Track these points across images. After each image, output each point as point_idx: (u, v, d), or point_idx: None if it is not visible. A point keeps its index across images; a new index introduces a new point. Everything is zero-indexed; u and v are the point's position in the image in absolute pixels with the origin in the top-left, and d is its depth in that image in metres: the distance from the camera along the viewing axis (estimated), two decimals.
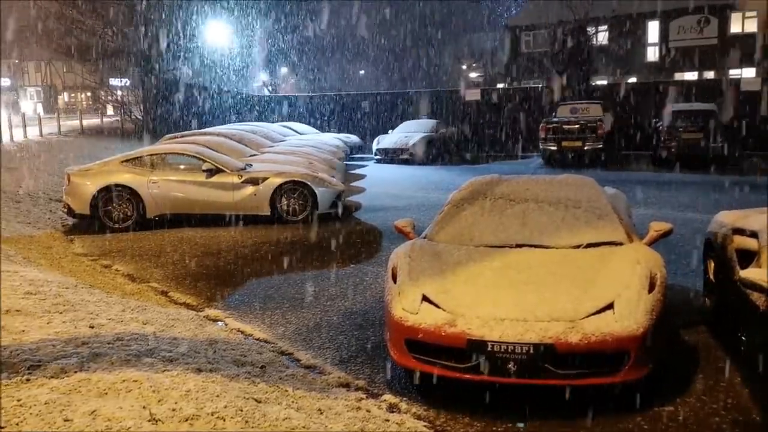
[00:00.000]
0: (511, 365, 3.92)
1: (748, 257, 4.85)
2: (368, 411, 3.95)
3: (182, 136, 15.03)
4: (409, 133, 21.47)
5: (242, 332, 5.62)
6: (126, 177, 10.54)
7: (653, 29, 34.38)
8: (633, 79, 31.71)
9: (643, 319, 4.00)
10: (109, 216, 10.42)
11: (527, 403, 4.08)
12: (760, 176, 14.66)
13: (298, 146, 16.41)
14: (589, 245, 4.92)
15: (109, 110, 32.56)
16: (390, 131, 22.69)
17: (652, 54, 34.70)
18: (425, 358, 4.19)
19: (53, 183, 13.83)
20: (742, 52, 30.70)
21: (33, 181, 13.72)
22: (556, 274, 4.47)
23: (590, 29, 28.44)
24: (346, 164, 18.74)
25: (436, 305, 4.27)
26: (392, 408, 4.11)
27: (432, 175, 17.44)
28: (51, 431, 3.00)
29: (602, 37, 33.15)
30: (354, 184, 15.53)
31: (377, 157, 21.39)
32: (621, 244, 4.95)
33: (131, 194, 10.43)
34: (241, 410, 3.41)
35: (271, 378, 4.28)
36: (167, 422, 3.18)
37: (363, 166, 19.83)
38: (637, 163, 18.67)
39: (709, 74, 31.73)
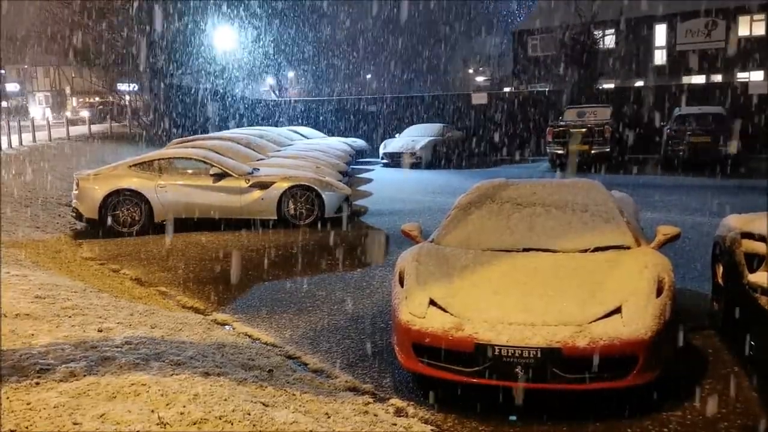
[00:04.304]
0: (518, 369, 3.92)
1: (756, 261, 4.83)
2: (375, 415, 3.95)
3: (190, 141, 15.09)
4: (416, 137, 21.48)
5: (249, 336, 5.63)
6: (134, 181, 10.59)
7: (660, 32, 34.31)
8: (640, 83, 31.64)
9: (651, 323, 3.99)
10: (118, 220, 10.47)
11: (535, 406, 4.08)
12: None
13: (305, 150, 16.44)
14: (597, 249, 4.91)
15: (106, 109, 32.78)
16: (397, 135, 22.70)
17: (660, 57, 34.62)
18: (432, 362, 4.19)
19: (62, 187, 13.91)
20: (750, 55, 30.60)
21: (42, 185, 13.80)
22: (563, 278, 4.46)
23: (597, 33, 28.41)
24: (353, 168, 18.77)
25: (444, 309, 4.27)
26: (399, 412, 4.11)
27: (439, 178, 17.44)
28: None
29: (609, 40, 33.10)
30: (361, 188, 15.55)
31: (384, 161, 21.40)
32: (629, 248, 4.93)
33: (139, 198, 10.48)
34: (249, 414, 3.42)
35: (279, 382, 4.28)
36: (175, 426, 3.19)
37: (370, 170, 19.85)
38: (645, 167, 18.60)
39: (717, 77, 31.63)
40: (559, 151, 18.48)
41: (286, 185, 10.70)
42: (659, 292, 4.23)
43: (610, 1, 28.72)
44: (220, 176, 10.75)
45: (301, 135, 21.31)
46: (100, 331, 4.88)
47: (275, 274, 7.87)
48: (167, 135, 23.91)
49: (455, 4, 57.04)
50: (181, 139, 16.73)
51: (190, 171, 10.95)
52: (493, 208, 5.52)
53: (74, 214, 10.84)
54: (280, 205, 10.64)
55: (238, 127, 24.26)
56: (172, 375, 3.89)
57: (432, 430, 3.90)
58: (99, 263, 8.65)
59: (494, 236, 5.23)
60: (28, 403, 3.28)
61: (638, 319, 4.00)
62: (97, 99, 40.94)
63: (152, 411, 3.30)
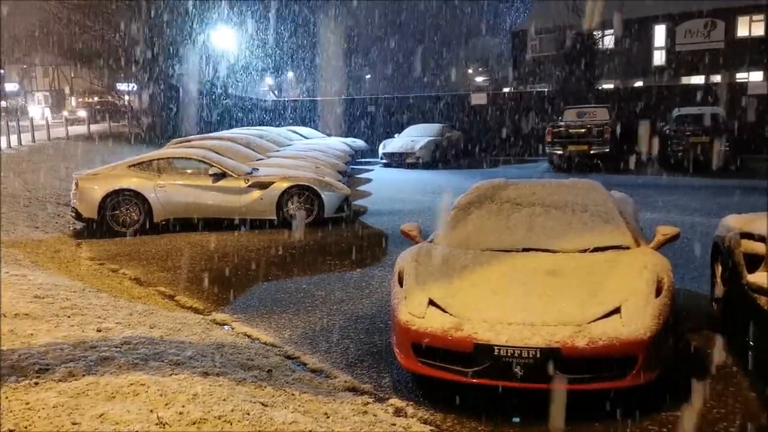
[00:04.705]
0: (517, 369, 3.91)
1: (755, 261, 4.84)
2: (375, 415, 3.95)
3: (189, 141, 15.09)
4: (415, 137, 21.50)
5: (249, 336, 5.63)
6: (133, 181, 10.58)
7: (660, 33, 34.33)
8: (639, 83, 31.66)
9: (650, 323, 3.99)
10: (117, 220, 10.46)
11: (535, 407, 4.07)
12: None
13: (305, 150, 16.45)
14: (596, 249, 4.91)
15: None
16: (396, 135, 22.71)
17: (659, 58, 34.64)
18: (432, 362, 4.19)
19: (61, 187, 13.90)
20: (749, 55, 30.63)
21: (41, 185, 13.79)
22: (562, 279, 4.46)
23: (597, 33, 28.44)
24: (353, 168, 18.77)
25: (443, 309, 4.27)
26: (399, 412, 4.11)
27: (438, 179, 17.44)
28: None
29: (609, 41, 33.11)
30: (360, 188, 15.55)
31: (383, 161, 21.42)
32: (628, 248, 4.93)
33: (138, 198, 10.47)
34: (248, 414, 3.42)
35: (278, 382, 4.28)
36: (174, 426, 3.19)
37: (369, 171, 19.85)
38: (644, 167, 18.60)
39: (716, 78, 31.65)
40: (559, 152, 18.49)
41: (285, 185, 10.70)
42: (658, 293, 4.23)
43: (610, 1, 28.75)
44: (220, 176, 10.74)
45: (301, 135, 21.31)
46: (99, 331, 4.88)
47: (274, 274, 7.86)
48: (166, 135, 23.89)
49: (455, 4, 57.03)
50: (180, 138, 16.72)
51: (189, 171, 10.94)
52: (493, 209, 5.51)
53: (73, 214, 10.83)
54: (279, 205, 10.63)
55: (237, 126, 24.24)
56: (171, 375, 3.89)
57: (431, 430, 3.89)
58: (98, 263, 8.64)
59: (493, 236, 5.22)
60: (27, 403, 3.28)
61: (637, 319, 4.00)
62: (96, 98, 40.94)
63: (151, 411, 3.29)
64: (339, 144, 19.97)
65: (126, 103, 30.79)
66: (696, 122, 17.73)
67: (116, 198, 10.44)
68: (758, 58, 29.94)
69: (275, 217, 10.65)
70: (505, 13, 58.04)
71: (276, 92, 40.64)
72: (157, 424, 3.16)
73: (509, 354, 3.93)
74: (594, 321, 4.02)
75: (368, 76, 62.15)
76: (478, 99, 25.16)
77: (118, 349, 4.37)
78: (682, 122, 17.96)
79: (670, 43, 33.86)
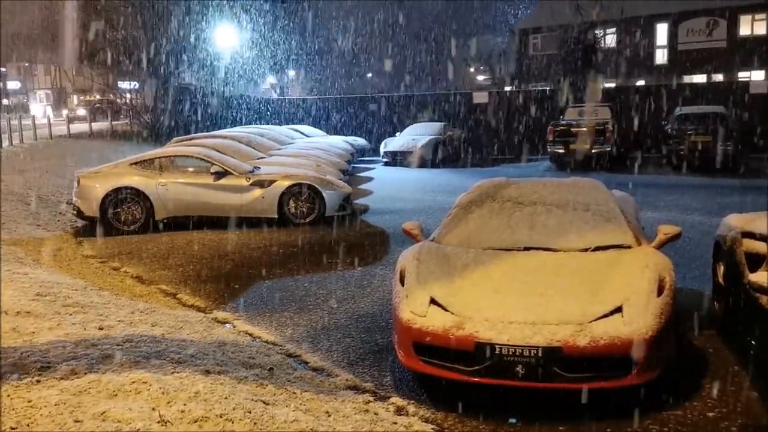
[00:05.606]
0: (519, 368, 3.92)
1: (757, 261, 4.83)
2: (376, 414, 3.96)
3: (191, 139, 15.09)
4: (417, 135, 21.46)
5: (250, 334, 5.64)
6: (135, 179, 10.58)
7: (662, 32, 34.30)
8: (641, 82, 31.62)
9: (651, 322, 3.99)
10: (118, 218, 10.46)
11: (536, 406, 4.08)
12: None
13: (306, 149, 16.45)
14: (598, 248, 4.91)
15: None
16: (397, 134, 22.69)
17: (661, 57, 34.61)
18: (433, 361, 4.19)
19: (63, 185, 13.91)
20: (751, 54, 30.60)
21: (42, 183, 13.81)
22: (564, 278, 4.46)
23: (598, 32, 28.41)
24: (354, 167, 18.77)
25: (444, 308, 4.28)
26: (400, 411, 4.12)
27: (439, 177, 17.43)
28: None
29: (610, 39, 33.08)
30: (361, 186, 15.54)
31: (384, 160, 21.40)
32: (629, 247, 4.93)
33: (140, 197, 10.47)
34: (250, 412, 3.42)
35: (279, 380, 4.29)
36: (176, 424, 3.19)
37: (371, 169, 19.84)
38: (646, 166, 18.58)
39: (718, 77, 31.62)
40: (560, 151, 18.47)
41: (286, 184, 10.70)
42: (660, 292, 4.23)
43: (612, 0, 28.73)
44: (221, 174, 10.74)
45: (302, 133, 21.30)
46: (101, 329, 4.89)
47: (276, 273, 7.87)
48: (168, 133, 23.90)
49: (456, 4, 57.01)
50: (182, 137, 16.72)
51: (191, 169, 10.94)
52: (494, 207, 5.51)
53: (75, 212, 10.83)
54: (280, 204, 10.63)
55: (239, 125, 24.25)
56: (173, 373, 3.90)
57: (432, 429, 3.90)
58: (100, 261, 8.65)
59: (495, 235, 5.22)
60: (29, 401, 3.29)
61: (639, 319, 4.00)
62: (97, 97, 40.97)
63: (153, 409, 3.30)
64: (340, 142, 19.95)
65: (128, 101, 30.80)
66: (697, 121, 17.70)
67: (118, 196, 10.40)
68: (760, 57, 29.90)
69: (276, 216, 10.65)
70: (507, 11, 57.98)
71: (277, 90, 40.64)
72: (158, 422, 3.17)
73: (511, 353, 3.93)
74: (595, 320, 4.02)
75: (369, 75, 62.10)
76: (480, 98, 25.14)
77: (120, 347, 4.38)
78: (683, 121, 17.94)
79: (672, 42, 33.82)
